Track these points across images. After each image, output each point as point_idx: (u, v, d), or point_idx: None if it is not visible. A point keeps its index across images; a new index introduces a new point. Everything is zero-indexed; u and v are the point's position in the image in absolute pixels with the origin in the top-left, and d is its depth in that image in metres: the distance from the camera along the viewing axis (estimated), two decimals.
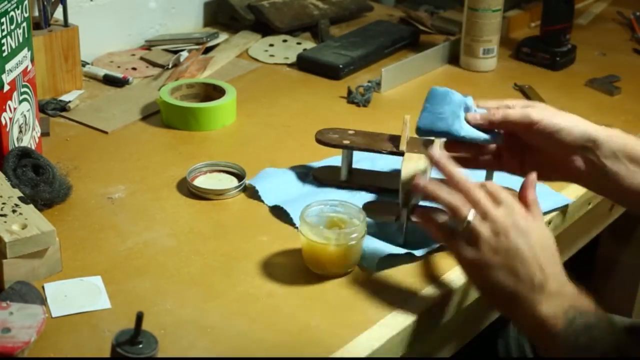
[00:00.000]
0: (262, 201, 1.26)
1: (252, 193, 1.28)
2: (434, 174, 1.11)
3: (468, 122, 1.12)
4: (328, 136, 1.30)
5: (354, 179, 1.30)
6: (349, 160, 1.30)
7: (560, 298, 0.96)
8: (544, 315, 0.96)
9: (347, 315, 1.06)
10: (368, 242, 1.15)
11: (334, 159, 1.34)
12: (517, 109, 1.11)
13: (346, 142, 1.29)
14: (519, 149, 1.13)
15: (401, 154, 1.25)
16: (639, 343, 0.97)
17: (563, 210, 1.30)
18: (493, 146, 1.15)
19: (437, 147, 1.19)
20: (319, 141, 1.30)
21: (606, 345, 0.94)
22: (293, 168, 1.33)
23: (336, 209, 1.15)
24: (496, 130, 1.13)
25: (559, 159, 1.10)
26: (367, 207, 1.22)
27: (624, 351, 0.94)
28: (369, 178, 1.31)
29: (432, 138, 1.23)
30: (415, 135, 1.18)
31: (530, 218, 1.00)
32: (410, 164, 1.21)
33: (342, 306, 1.07)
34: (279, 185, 1.28)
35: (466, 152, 1.15)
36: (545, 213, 1.26)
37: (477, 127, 1.12)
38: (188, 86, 1.55)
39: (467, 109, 1.13)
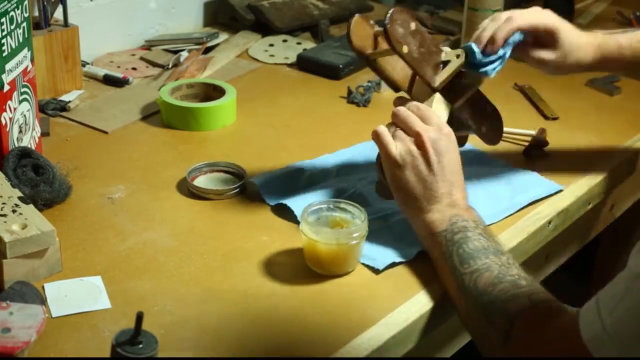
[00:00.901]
0: (264, 200, 1.26)
1: (253, 192, 1.28)
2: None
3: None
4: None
5: None
6: None
7: (449, 209, 1.11)
8: (431, 219, 1.12)
9: (347, 315, 1.06)
10: (371, 242, 1.15)
11: (362, 145, 1.37)
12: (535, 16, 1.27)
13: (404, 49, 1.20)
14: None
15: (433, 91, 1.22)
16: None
17: (563, 210, 1.30)
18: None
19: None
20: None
21: (475, 243, 1.07)
22: (293, 165, 1.33)
23: (338, 208, 1.15)
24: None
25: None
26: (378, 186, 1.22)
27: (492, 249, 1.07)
28: None
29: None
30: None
31: (449, 142, 1.14)
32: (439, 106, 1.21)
33: (342, 306, 1.07)
34: (280, 184, 1.28)
35: None
36: (537, 201, 1.29)
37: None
38: (188, 86, 1.55)
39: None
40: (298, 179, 1.30)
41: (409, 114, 1.16)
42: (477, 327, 1.05)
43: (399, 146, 1.14)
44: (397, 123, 1.16)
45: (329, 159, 1.37)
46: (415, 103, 1.18)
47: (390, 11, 1.18)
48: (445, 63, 1.21)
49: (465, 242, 1.08)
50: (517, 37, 1.23)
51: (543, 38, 1.25)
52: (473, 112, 1.25)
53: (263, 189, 1.27)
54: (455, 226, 1.10)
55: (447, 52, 1.23)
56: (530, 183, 1.32)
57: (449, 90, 1.21)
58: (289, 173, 1.32)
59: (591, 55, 1.27)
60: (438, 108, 1.20)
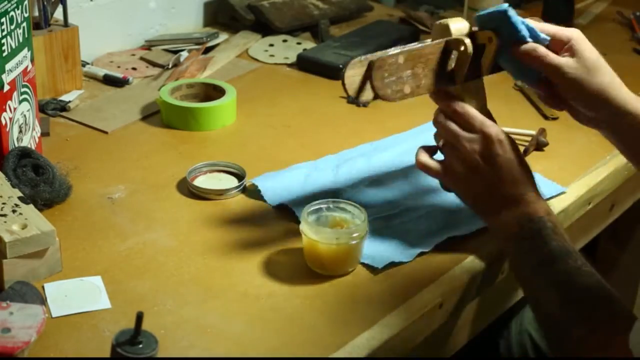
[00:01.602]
0: (264, 200, 1.26)
1: (253, 192, 1.28)
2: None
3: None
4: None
5: None
6: None
7: (517, 206, 1.10)
8: (503, 222, 1.11)
9: (347, 315, 1.06)
10: (371, 241, 1.15)
11: (364, 146, 1.37)
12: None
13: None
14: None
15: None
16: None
17: (563, 210, 1.30)
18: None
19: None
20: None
21: (542, 252, 1.07)
22: (294, 167, 1.33)
23: (338, 208, 1.15)
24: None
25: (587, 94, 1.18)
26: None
27: (554, 261, 1.06)
28: None
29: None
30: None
31: (497, 143, 1.12)
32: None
33: (342, 306, 1.07)
34: (281, 185, 1.28)
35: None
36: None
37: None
38: (188, 86, 1.55)
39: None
40: (299, 180, 1.30)
41: (447, 126, 1.15)
42: (565, 322, 1.04)
43: (453, 164, 1.13)
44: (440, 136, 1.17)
45: (331, 159, 1.37)
46: (454, 106, 1.15)
47: (370, 66, 1.09)
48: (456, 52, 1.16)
49: (534, 249, 1.08)
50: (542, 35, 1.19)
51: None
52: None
53: (264, 190, 1.27)
54: (525, 230, 1.09)
55: (461, 33, 1.18)
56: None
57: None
58: (290, 173, 1.32)
59: (614, 93, 1.21)
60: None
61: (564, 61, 1.15)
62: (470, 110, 1.15)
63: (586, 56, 1.17)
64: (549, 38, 1.18)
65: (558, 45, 1.18)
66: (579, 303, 1.02)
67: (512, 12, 1.17)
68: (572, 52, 1.17)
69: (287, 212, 1.23)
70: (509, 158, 1.12)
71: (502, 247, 1.16)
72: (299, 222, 1.17)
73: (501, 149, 1.12)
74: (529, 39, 1.17)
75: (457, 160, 1.13)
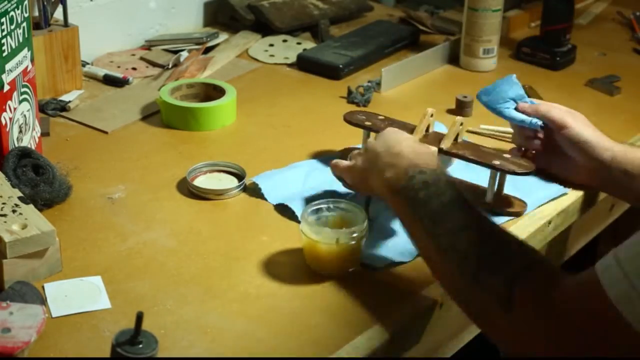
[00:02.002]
0: (266, 199, 1.26)
1: (253, 192, 1.28)
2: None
3: (518, 110, 1.30)
4: (355, 116, 1.35)
5: None
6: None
7: (402, 160, 1.09)
8: (389, 177, 1.08)
9: (347, 315, 1.06)
10: (372, 241, 1.15)
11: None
12: (559, 110, 1.29)
13: (368, 123, 1.33)
14: (551, 149, 1.30)
15: None
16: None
17: (563, 210, 1.30)
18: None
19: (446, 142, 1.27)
20: (345, 120, 1.35)
21: (443, 198, 1.03)
22: (294, 166, 1.33)
23: (338, 208, 1.15)
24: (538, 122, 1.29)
25: (580, 166, 1.27)
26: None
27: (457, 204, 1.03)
28: None
29: (444, 132, 1.30)
30: (435, 130, 1.31)
31: (385, 135, 1.16)
32: None
33: (342, 306, 1.07)
34: (281, 183, 1.28)
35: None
36: (544, 204, 1.29)
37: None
38: (188, 86, 1.55)
39: (521, 99, 1.31)
40: (299, 179, 1.30)
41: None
42: (465, 294, 0.99)
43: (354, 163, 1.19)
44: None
45: (331, 158, 1.36)
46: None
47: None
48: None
49: (431, 199, 1.03)
50: (536, 121, 1.29)
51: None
52: None
53: (264, 189, 1.27)
54: (414, 181, 1.05)
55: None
56: (535, 186, 1.32)
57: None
58: (290, 172, 1.32)
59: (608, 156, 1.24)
60: None
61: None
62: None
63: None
64: (540, 123, 1.29)
65: (554, 127, 1.28)
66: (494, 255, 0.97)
67: (507, 112, 1.31)
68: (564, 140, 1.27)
69: (287, 212, 1.23)
70: (402, 140, 1.13)
71: (390, 205, 1.10)
72: (299, 222, 1.17)
73: (391, 136, 1.15)
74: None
75: (357, 159, 1.18)
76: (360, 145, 1.36)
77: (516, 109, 1.30)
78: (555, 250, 1.37)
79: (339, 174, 1.22)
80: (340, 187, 1.27)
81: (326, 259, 1.11)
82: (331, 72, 1.69)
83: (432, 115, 1.29)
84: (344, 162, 1.21)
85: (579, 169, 1.28)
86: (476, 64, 1.74)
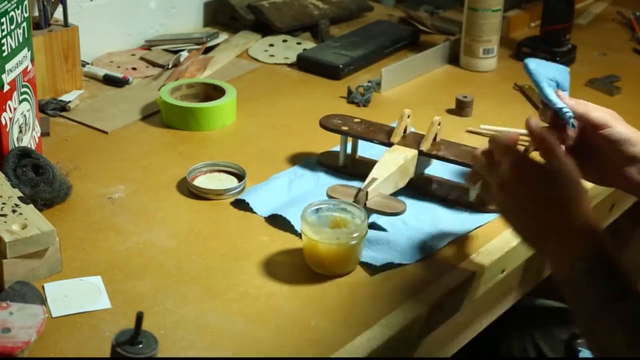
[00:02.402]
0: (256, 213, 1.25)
1: (242, 206, 1.26)
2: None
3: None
4: (331, 121, 1.35)
5: (354, 167, 1.33)
6: (345, 146, 1.33)
7: (571, 239, 0.99)
8: (550, 258, 1.01)
9: (347, 315, 1.06)
10: (371, 242, 1.15)
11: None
12: (599, 110, 1.17)
13: (345, 128, 1.33)
14: (583, 150, 1.17)
15: (390, 145, 1.28)
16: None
17: None
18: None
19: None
20: (321, 125, 1.34)
21: (599, 293, 0.96)
22: (276, 177, 1.32)
23: (338, 208, 1.15)
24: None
25: (617, 167, 1.16)
26: (331, 189, 1.23)
27: (612, 302, 0.96)
28: (368, 166, 1.28)
29: (423, 133, 1.28)
30: (414, 130, 1.28)
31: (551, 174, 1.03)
32: (391, 155, 1.25)
33: (342, 306, 1.07)
34: (267, 196, 1.27)
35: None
36: None
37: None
38: (188, 86, 1.55)
39: (564, 89, 1.18)
40: (283, 188, 1.28)
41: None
42: None
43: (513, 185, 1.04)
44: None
45: (309, 164, 1.36)
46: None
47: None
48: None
49: (588, 294, 0.97)
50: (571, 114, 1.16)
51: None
52: None
53: (252, 203, 1.25)
54: (577, 271, 0.98)
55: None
56: None
57: None
58: (273, 184, 1.29)
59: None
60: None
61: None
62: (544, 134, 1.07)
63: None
64: (573, 120, 1.15)
65: (590, 128, 1.16)
66: None
67: (547, 90, 1.17)
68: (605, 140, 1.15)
69: (279, 222, 1.22)
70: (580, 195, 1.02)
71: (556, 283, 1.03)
72: (294, 230, 1.17)
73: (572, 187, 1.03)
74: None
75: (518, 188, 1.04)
76: (337, 148, 1.35)
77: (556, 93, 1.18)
78: None
79: (482, 173, 1.09)
80: (325, 193, 1.26)
81: (326, 259, 1.11)
82: (331, 72, 1.69)
83: (409, 117, 1.29)
84: (495, 179, 1.05)
85: (617, 171, 1.17)
86: (476, 64, 1.74)
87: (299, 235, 1.16)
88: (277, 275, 1.12)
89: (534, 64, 1.18)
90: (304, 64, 1.72)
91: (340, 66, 1.68)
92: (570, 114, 1.15)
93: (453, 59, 1.77)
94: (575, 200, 1.01)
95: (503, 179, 1.04)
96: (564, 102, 1.16)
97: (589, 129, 1.16)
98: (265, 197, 1.26)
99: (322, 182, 1.31)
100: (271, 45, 1.82)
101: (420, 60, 1.72)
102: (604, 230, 1.01)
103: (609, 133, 1.15)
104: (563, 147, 1.11)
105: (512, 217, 1.05)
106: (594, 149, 1.17)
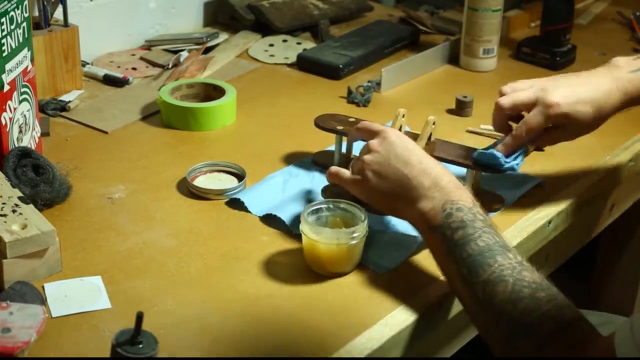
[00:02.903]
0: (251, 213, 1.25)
1: (237, 206, 1.26)
2: None
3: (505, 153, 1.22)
4: (326, 121, 1.35)
5: (349, 166, 1.32)
6: (340, 146, 1.33)
7: (438, 192, 1.06)
8: (424, 211, 1.06)
9: (347, 315, 1.06)
10: (371, 242, 1.15)
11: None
12: (524, 92, 1.23)
13: (339, 127, 1.32)
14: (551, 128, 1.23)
15: None
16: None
17: (563, 210, 1.30)
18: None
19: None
20: (316, 124, 1.35)
21: (479, 242, 1.01)
22: (270, 177, 1.32)
23: (338, 208, 1.15)
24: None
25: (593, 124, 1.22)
26: (325, 189, 1.25)
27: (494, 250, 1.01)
28: None
29: (418, 133, 1.28)
30: (408, 129, 1.29)
31: (391, 141, 1.12)
32: None
33: (342, 306, 1.07)
34: (261, 196, 1.27)
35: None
36: (539, 202, 1.30)
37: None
38: (188, 86, 1.55)
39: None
40: (278, 188, 1.28)
41: (353, 136, 1.22)
42: (498, 345, 0.99)
43: (353, 167, 1.14)
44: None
45: (303, 164, 1.36)
46: (357, 125, 1.20)
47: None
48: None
49: (468, 242, 1.01)
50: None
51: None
52: None
53: (247, 202, 1.25)
54: (452, 219, 1.03)
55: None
56: (511, 181, 1.32)
57: None
58: (268, 183, 1.30)
59: (616, 103, 1.21)
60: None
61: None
62: (366, 122, 1.19)
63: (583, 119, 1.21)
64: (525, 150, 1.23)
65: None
66: (521, 324, 0.96)
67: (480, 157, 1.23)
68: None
69: (274, 222, 1.22)
70: (403, 149, 1.10)
71: (425, 240, 1.09)
72: (289, 230, 1.17)
73: (398, 142, 1.11)
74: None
75: (363, 168, 1.12)
76: (332, 147, 1.35)
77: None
78: (555, 250, 1.37)
79: (342, 186, 1.16)
80: (319, 192, 1.26)
81: (326, 260, 1.11)
82: (331, 72, 1.69)
83: (403, 116, 1.29)
84: (347, 174, 1.15)
85: (593, 125, 1.23)
86: (476, 64, 1.74)
87: (294, 234, 1.16)
88: (277, 275, 1.12)
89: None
90: (304, 64, 1.72)
91: (340, 66, 1.68)
92: (513, 163, 1.21)
93: (453, 59, 1.77)
94: (412, 161, 1.09)
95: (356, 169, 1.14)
96: (509, 149, 1.21)
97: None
98: (260, 197, 1.26)
99: (317, 181, 1.31)
100: (271, 45, 1.82)
101: (420, 60, 1.72)
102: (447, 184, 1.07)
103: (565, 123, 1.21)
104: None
105: (370, 194, 1.13)
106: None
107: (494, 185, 1.29)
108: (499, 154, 1.20)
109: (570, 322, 0.95)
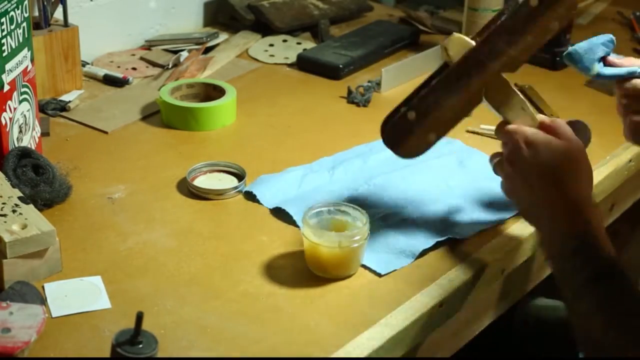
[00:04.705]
0: (262, 204, 1.26)
1: (249, 197, 1.27)
2: None
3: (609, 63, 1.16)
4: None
5: None
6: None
7: (561, 216, 1.04)
8: (543, 236, 1.08)
9: (347, 315, 1.06)
10: (372, 244, 1.15)
11: (360, 147, 1.38)
12: None
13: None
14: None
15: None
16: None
17: None
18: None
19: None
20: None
21: (584, 274, 1.00)
22: (289, 170, 1.33)
23: (339, 211, 1.14)
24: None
25: None
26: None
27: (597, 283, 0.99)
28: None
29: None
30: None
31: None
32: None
33: (342, 306, 1.07)
34: (276, 188, 1.28)
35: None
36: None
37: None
38: (188, 86, 1.55)
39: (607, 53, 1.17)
40: (295, 182, 1.30)
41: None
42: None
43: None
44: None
45: (326, 161, 1.36)
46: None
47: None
48: None
49: (574, 272, 1.01)
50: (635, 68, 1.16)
51: None
52: None
53: (259, 194, 1.26)
54: (566, 247, 1.03)
55: None
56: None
57: None
58: (285, 176, 1.31)
59: None
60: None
61: None
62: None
63: None
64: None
65: None
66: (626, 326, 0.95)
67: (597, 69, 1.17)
68: None
69: (284, 215, 1.23)
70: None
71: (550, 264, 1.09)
72: (296, 225, 1.18)
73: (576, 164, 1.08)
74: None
75: (531, 178, 1.07)
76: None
77: (605, 65, 1.17)
78: None
79: (498, 169, 1.12)
80: (335, 189, 1.27)
81: (328, 262, 1.10)
82: (331, 72, 1.69)
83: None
84: (507, 165, 1.09)
85: None
86: None
87: (300, 234, 1.16)
88: (277, 275, 1.12)
89: (577, 52, 1.17)
90: (304, 64, 1.72)
91: (340, 66, 1.68)
92: (634, 68, 1.15)
93: None
94: (573, 179, 1.06)
95: (510, 153, 1.08)
96: (617, 64, 1.15)
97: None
98: (274, 189, 1.27)
99: (335, 180, 1.31)
100: (271, 45, 1.82)
101: (420, 60, 1.72)
102: (596, 209, 1.06)
103: None
104: (569, 130, 1.11)
105: (514, 189, 1.09)
106: None
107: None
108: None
109: None
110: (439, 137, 1.13)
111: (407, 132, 1.11)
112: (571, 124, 1.14)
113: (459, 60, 1.11)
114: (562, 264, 1.03)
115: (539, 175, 1.06)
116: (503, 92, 1.12)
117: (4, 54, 1.21)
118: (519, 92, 1.13)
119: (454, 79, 1.11)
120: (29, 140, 1.31)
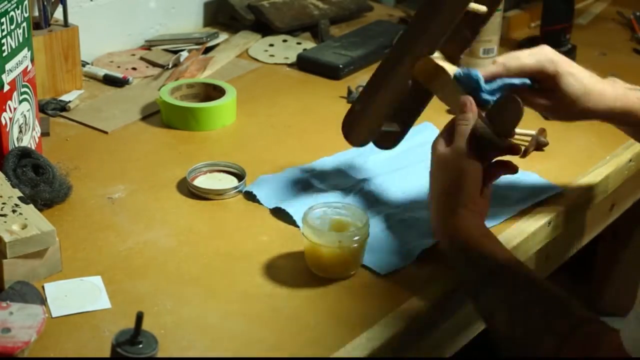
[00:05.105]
0: (262, 204, 1.26)
1: (249, 197, 1.27)
2: None
3: (486, 79, 1.17)
4: None
5: None
6: None
7: (452, 219, 1.09)
8: (439, 238, 1.13)
9: (347, 315, 1.05)
10: (372, 244, 1.15)
11: (342, 154, 1.36)
12: (529, 57, 1.19)
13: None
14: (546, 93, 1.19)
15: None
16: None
17: (563, 210, 1.29)
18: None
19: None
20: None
21: (480, 270, 1.06)
22: (288, 171, 1.33)
23: (339, 211, 1.14)
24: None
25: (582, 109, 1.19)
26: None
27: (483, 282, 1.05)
28: None
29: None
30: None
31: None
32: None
33: (342, 306, 1.07)
34: (276, 188, 1.28)
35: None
36: (539, 203, 1.29)
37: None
38: (188, 86, 1.55)
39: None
40: (295, 182, 1.30)
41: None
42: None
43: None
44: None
45: (326, 161, 1.36)
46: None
47: None
48: None
49: (468, 269, 1.08)
50: (515, 81, 1.17)
51: (545, 83, 1.18)
52: None
53: (259, 194, 1.26)
54: (454, 249, 1.10)
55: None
56: (531, 184, 1.32)
57: None
58: (285, 176, 1.31)
59: (604, 105, 1.19)
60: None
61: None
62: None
63: (570, 91, 1.17)
64: (527, 81, 1.18)
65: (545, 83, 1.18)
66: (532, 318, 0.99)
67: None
68: (557, 90, 1.17)
69: (284, 216, 1.23)
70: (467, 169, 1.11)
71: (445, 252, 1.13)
72: (296, 225, 1.17)
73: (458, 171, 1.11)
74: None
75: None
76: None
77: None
78: (555, 250, 1.37)
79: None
80: (336, 189, 1.27)
81: (328, 262, 1.10)
82: (331, 72, 1.69)
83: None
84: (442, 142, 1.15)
85: (574, 110, 1.19)
86: (476, 64, 1.74)
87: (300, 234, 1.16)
88: (277, 275, 1.11)
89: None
90: (304, 64, 1.72)
91: (340, 66, 1.68)
92: (516, 81, 1.17)
93: None
94: (456, 191, 1.10)
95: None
96: (496, 73, 1.16)
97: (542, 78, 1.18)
98: (274, 189, 1.27)
99: (336, 180, 1.31)
100: (271, 45, 1.82)
101: None
102: (466, 216, 1.09)
103: (561, 89, 1.17)
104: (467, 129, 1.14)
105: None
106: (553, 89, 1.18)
107: (512, 190, 1.29)
108: (480, 76, 1.16)
109: (584, 320, 0.98)
110: (384, 126, 1.25)
111: (355, 123, 1.26)
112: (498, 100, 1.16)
113: (386, 54, 1.24)
114: (454, 263, 1.10)
115: (432, 173, 1.14)
116: (434, 77, 1.21)
117: (4, 54, 1.21)
118: (449, 73, 1.18)
119: (382, 71, 1.25)
120: (29, 140, 1.31)
